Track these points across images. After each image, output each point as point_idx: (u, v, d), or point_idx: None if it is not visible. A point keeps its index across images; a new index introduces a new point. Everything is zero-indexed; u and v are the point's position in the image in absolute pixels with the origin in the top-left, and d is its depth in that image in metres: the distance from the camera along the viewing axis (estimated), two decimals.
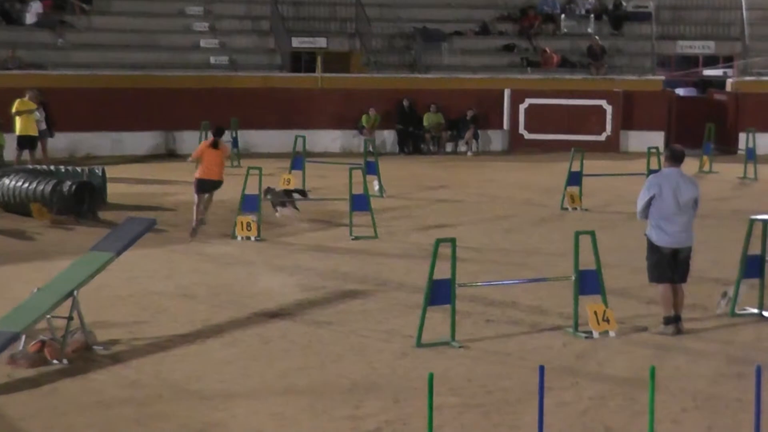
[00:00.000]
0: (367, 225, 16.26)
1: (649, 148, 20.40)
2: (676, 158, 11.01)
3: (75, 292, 9.99)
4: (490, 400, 8.91)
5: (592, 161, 21.58)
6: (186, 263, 14.36)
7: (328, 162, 23.07)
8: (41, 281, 10.99)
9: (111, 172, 20.27)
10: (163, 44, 29.15)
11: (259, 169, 16.79)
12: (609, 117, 29.06)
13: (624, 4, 32.75)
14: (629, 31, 32.41)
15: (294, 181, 21.00)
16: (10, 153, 22.29)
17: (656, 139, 27.16)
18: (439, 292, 10.34)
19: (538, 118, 28.90)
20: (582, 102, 28.85)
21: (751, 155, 24.01)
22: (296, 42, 30.07)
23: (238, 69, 28.97)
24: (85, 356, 9.95)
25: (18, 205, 17.59)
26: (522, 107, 29.08)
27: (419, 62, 30.29)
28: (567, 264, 12.13)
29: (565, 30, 32.31)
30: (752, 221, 11.65)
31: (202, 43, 29.66)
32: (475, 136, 28.73)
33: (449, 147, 28.93)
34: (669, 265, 10.84)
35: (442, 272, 10.36)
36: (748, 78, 30.52)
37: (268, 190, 17.75)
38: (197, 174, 16.46)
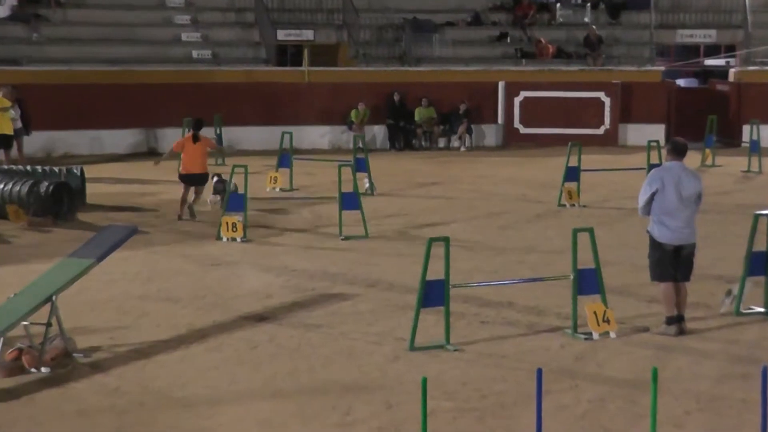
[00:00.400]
0: (357, 224, 16.26)
1: (649, 142, 20.45)
2: (678, 151, 11.03)
3: (53, 297, 9.97)
4: (485, 404, 8.92)
5: (590, 156, 21.62)
6: (168, 265, 14.35)
7: (316, 159, 23.08)
8: (18, 286, 10.98)
9: (90, 171, 20.24)
10: (142, 38, 29.13)
11: (245, 167, 16.79)
12: (607, 109, 29.13)
13: None
14: (627, 20, 32.48)
15: (281, 179, 21.04)
16: None
17: (656, 132, 27.25)
18: (432, 293, 10.34)
19: (534, 112, 28.96)
20: (579, 94, 28.90)
21: (755, 147, 24.07)
22: (282, 34, 30.06)
23: (222, 63, 28.97)
24: (64, 364, 9.93)
25: None
26: (517, 100, 29.12)
27: (409, 54, 30.32)
28: (565, 262, 12.14)
29: (561, 19, 32.37)
30: (757, 216, 11.67)
31: (184, 36, 29.65)
32: (469, 131, 28.76)
33: (441, 142, 28.97)
34: (671, 263, 10.86)
35: (435, 272, 10.37)
36: (751, 67, 30.60)
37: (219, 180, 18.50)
38: (180, 169, 17.49)
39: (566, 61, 30.80)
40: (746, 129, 25.99)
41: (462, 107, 28.56)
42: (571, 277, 10.90)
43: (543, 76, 29.47)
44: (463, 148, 28.52)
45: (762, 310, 11.66)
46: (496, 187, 21.85)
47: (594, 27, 31.18)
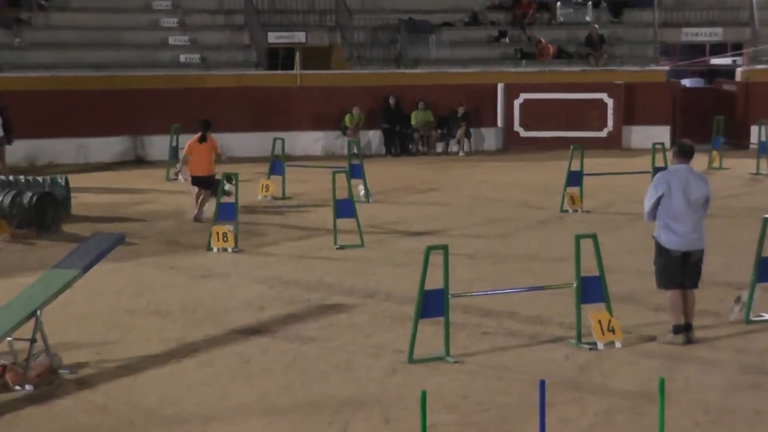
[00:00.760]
0: (352, 232, 16.27)
1: (654, 144, 20.48)
2: (684, 154, 11.04)
3: (38, 312, 9.96)
4: (487, 417, 8.91)
5: (592, 159, 21.66)
6: (157, 278, 14.35)
7: (309, 165, 23.08)
8: (0, 301, 10.96)
9: (75, 181, 20.23)
10: (128, 42, 29.14)
11: (235, 174, 16.81)
12: (610, 111, 29.16)
13: None
14: (630, 18, 32.54)
15: (273, 187, 21.04)
16: None
17: (661, 134, 27.30)
18: (431, 304, 10.34)
19: (535, 114, 28.99)
20: (581, 96, 28.94)
21: (764, 149, 24.11)
22: (272, 37, 30.06)
23: (211, 67, 28.99)
24: (49, 381, 9.91)
25: None
26: (517, 102, 29.16)
27: (405, 56, 30.35)
28: (568, 270, 12.14)
29: (562, 18, 32.42)
30: (766, 220, 11.68)
31: (171, 39, 29.66)
32: (467, 135, 28.79)
33: (439, 147, 29.00)
34: (678, 270, 10.86)
35: (434, 282, 10.36)
36: (758, 66, 30.66)
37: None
38: (190, 171, 18.49)
39: (567, 61, 30.85)
40: (754, 130, 26.02)
41: (460, 110, 28.59)
42: (575, 285, 10.91)
43: (543, 78, 29.51)
44: (461, 153, 28.54)
45: None
46: (496, 192, 21.86)
47: (596, 26, 31.23)
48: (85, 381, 9.97)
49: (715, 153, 25.14)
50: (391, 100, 28.47)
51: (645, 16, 32.23)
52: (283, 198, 20.98)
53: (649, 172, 18.87)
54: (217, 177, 18.12)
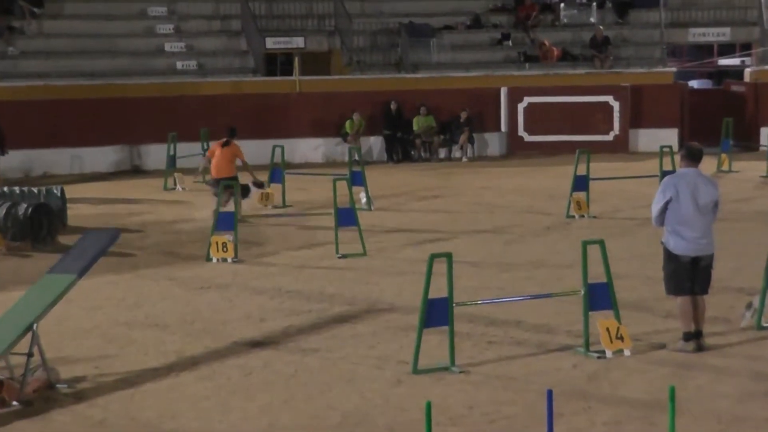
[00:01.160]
0: (354, 241, 16.28)
1: (662, 147, 20.47)
2: (693, 157, 11.04)
3: (34, 326, 9.96)
4: (494, 429, 8.92)
5: (599, 163, 21.67)
6: (155, 290, 14.36)
7: (309, 173, 23.11)
8: None
9: (70, 191, 20.26)
10: (123, 49, 29.20)
11: (234, 183, 16.83)
12: (616, 114, 29.18)
13: None
14: (636, 19, 32.56)
15: (273, 196, 21.06)
16: None
17: (669, 136, 27.28)
18: (436, 313, 10.35)
19: (539, 118, 29.00)
20: (586, 99, 28.96)
21: None
22: (270, 42, 30.11)
23: (207, 74, 29.03)
24: (47, 396, 9.92)
25: None
26: (521, 106, 29.18)
27: (406, 61, 30.38)
28: (575, 277, 12.16)
29: (566, 20, 32.46)
30: None
31: (167, 46, 29.71)
32: (470, 140, 28.81)
33: (442, 153, 29.03)
34: (688, 275, 10.86)
35: (438, 290, 10.38)
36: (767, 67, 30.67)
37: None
38: (212, 173, 19.08)
39: (572, 63, 30.87)
40: (764, 132, 26.10)
41: (463, 115, 28.61)
42: (582, 292, 10.91)
43: (548, 81, 29.53)
44: (464, 159, 28.56)
45: None
46: (500, 198, 21.87)
47: (600, 27, 31.25)
48: (83, 395, 9.98)
49: (724, 156, 25.14)
50: (392, 106, 28.49)
51: (651, 17, 32.23)
52: (284, 206, 21.00)
53: (656, 176, 18.87)
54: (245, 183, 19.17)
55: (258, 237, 17.89)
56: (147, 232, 18.58)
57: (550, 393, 6.71)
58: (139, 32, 29.95)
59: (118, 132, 27.05)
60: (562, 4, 32.68)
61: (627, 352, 10.79)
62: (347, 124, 28.20)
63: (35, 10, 29.16)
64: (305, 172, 23.29)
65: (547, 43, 31.06)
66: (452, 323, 10.44)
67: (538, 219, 19.20)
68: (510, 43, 31.44)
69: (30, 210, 17.36)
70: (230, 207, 17.70)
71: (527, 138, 29.26)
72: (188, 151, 24.85)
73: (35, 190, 19.08)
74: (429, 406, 6.53)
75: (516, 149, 29.19)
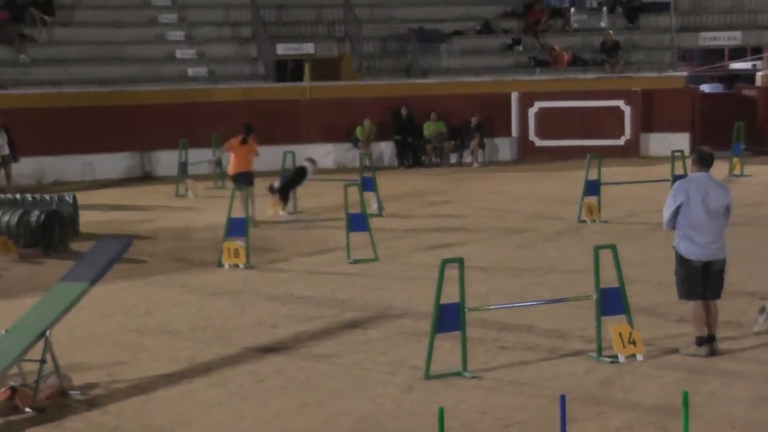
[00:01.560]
0: (365, 247, 16.28)
1: (673, 152, 20.46)
2: (704, 161, 11.03)
3: (47, 332, 9.98)
4: None
5: (610, 168, 21.64)
6: (167, 296, 14.38)
7: (320, 179, 23.11)
8: (8, 322, 10.98)
9: (82, 198, 20.29)
10: (134, 56, 29.26)
11: (245, 189, 16.85)
12: (627, 119, 29.17)
13: None
14: (646, 24, 32.53)
15: (285, 203, 21.05)
16: None
17: (680, 141, 27.27)
18: (447, 318, 10.34)
19: (550, 123, 29.00)
20: (597, 103, 28.95)
21: None
22: (281, 49, 30.16)
23: (218, 81, 29.07)
24: (59, 403, 9.94)
25: None
26: (531, 111, 29.19)
27: (416, 66, 30.39)
28: (587, 282, 12.14)
29: (576, 25, 32.45)
30: None
31: (178, 53, 29.76)
32: (481, 145, 28.81)
33: (453, 158, 29.04)
34: (700, 280, 10.84)
35: (450, 296, 10.38)
36: None
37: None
38: (230, 171, 19.59)
39: (582, 68, 30.86)
40: None
41: (473, 120, 28.61)
42: (594, 297, 10.90)
43: (558, 85, 29.52)
44: (475, 164, 28.56)
45: None
46: (512, 204, 21.86)
47: (611, 32, 31.24)
48: (96, 402, 9.99)
49: (735, 160, 25.11)
50: (403, 111, 28.51)
51: (661, 21, 32.20)
52: (295, 212, 21.01)
53: (668, 180, 18.86)
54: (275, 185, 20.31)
55: (269, 243, 17.90)
56: (158, 238, 18.61)
57: (563, 398, 6.71)
58: (149, 39, 30.00)
59: (130, 139, 27.10)
60: (572, 9, 32.69)
61: (640, 357, 10.78)
62: (358, 129, 28.22)
63: (46, 18, 29.21)
64: (316, 178, 23.29)
65: (557, 48, 31.05)
66: (464, 328, 10.43)
67: (550, 224, 19.19)
68: (520, 48, 31.44)
69: (42, 217, 17.39)
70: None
71: (538, 143, 29.26)
72: (199, 157, 24.87)
73: (47, 197, 19.12)
74: (442, 411, 6.53)
75: (527, 154, 29.17)
